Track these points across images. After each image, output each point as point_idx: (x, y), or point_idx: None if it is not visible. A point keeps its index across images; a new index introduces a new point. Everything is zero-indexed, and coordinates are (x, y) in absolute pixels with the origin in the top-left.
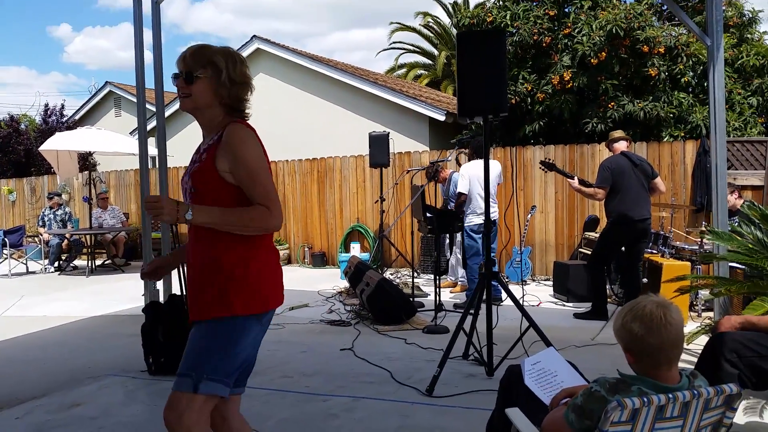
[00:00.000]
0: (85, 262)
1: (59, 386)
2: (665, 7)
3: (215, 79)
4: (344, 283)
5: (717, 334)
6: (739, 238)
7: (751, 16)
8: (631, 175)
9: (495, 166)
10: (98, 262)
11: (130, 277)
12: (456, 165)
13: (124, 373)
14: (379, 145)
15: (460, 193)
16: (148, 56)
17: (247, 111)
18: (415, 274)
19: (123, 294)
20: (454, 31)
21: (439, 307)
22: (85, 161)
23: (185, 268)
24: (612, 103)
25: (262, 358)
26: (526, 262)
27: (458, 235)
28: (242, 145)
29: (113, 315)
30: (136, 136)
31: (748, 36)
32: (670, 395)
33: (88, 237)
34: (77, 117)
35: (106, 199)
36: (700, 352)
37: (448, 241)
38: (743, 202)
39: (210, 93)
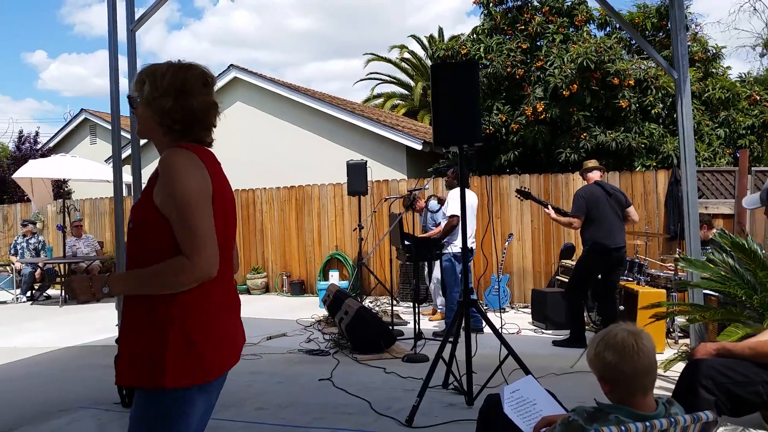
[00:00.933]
0: (58, 292)
1: (28, 420)
2: (634, 41)
3: (145, 98)
4: (323, 312)
5: (693, 361)
6: (712, 266)
7: (714, 51)
8: (606, 204)
9: (471, 197)
10: None
11: (104, 307)
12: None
13: (97, 405)
14: (357, 173)
15: (453, 216)
16: (124, 84)
17: (205, 136)
18: (395, 302)
19: (97, 324)
20: (429, 63)
21: (418, 335)
22: (60, 189)
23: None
24: (584, 134)
25: (237, 389)
26: (504, 289)
27: (437, 263)
28: (172, 175)
29: (86, 345)
30: (111, 164)
31: (713, 70)
32: (648, 423)
33: (61, 266)
34: (51, 144)
35: (81, 227)
36: (675, 379)
37: (427, 269)
38: (715, 231)
39: (147, 115)
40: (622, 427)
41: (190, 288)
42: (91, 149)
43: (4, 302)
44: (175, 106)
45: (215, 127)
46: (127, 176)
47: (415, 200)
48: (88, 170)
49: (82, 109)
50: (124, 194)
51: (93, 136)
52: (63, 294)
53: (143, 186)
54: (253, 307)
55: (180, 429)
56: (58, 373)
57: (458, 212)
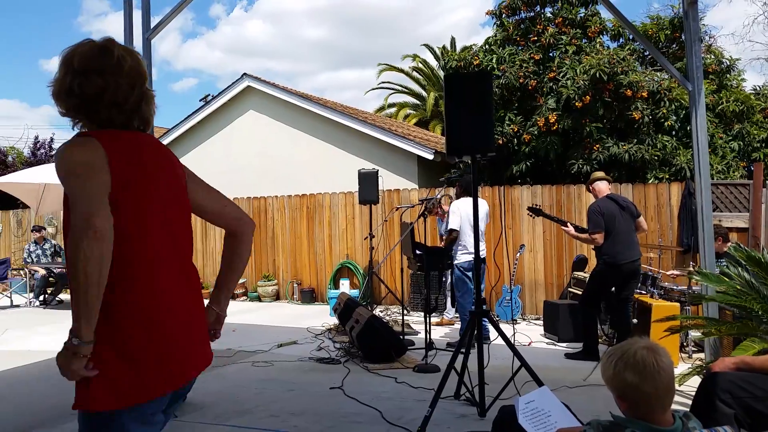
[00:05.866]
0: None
1: (42, 423)
2: (647, 52)
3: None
4: (333, 320)
5: (710, 374)
6: (727, 279)
7: (728, 63)
8: (620, 217)
9: (482, 206)
10: None
11: None
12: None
13: None
14: (368, 182)
15: (452, 230)
16: None
17: (116, 113)
18: (405, 312)
19: None
20: (442, 74)
21: (430, 345)
22: None
23: None
24: (597, 146)
25: (249, 397)
26: (516, 300)
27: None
28: (58, 164)
29: None
30: None
31: (727, 83)
32: None
33: None
34: None
35: None
36: (690, 393)
37: (444, 279)
38: (730, 245)
39: (64, 106)
40: None
41: (127, 286)
42: None
43: (18, 306)
44: (64, 89)
45: (127, 104)
46: None
47: (439, 204)
48: None
49: None
50: None
51: None
52: None
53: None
54: (264, 315)
55: None
56: None
57: (457, 227)
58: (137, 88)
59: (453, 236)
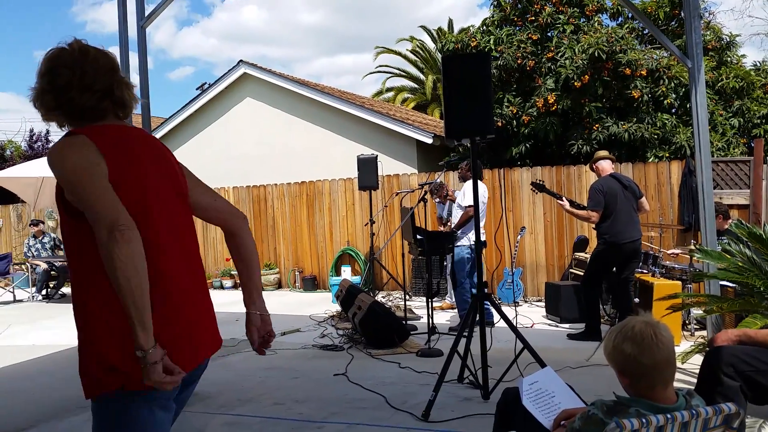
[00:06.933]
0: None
1: (48, 417)
2: (646, 30)
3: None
4: (336, 307)
5: (713, 349)
6: (729, 256)
7: (728, 39)
8: (622, 197)
9: (482, 190)
10: None
11: None
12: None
13: None
14: (367, 167)
15: (470, 206)
16: (135, 80)
17: (95, 109)
18: (407, 297)
19: None
20: (440, 56)
21: (432, 329)
22: None
23: None
24: (597, 125)
25: (253, 385)
26: (517, 283)
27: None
28: (58, 162)
29: None
30: None
31: (727, 59)
32: (669, 416)
33: None
34: None
35: None
36: (693, 371)
37: (445, 263)
38: (731, 222)
39: (40, 110)
40: (643, 420)
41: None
42: None
43: (21, 300)
44: (45, 92)
45: (99, 86)
46: None
47: (443, 187)
48: None
49: None
50: None
51: None
52: None
53: None
54: (266, 303)
55: None
56: (76, 370)
57: (473, 203)
58: (106, 73)
59: (470, 212)
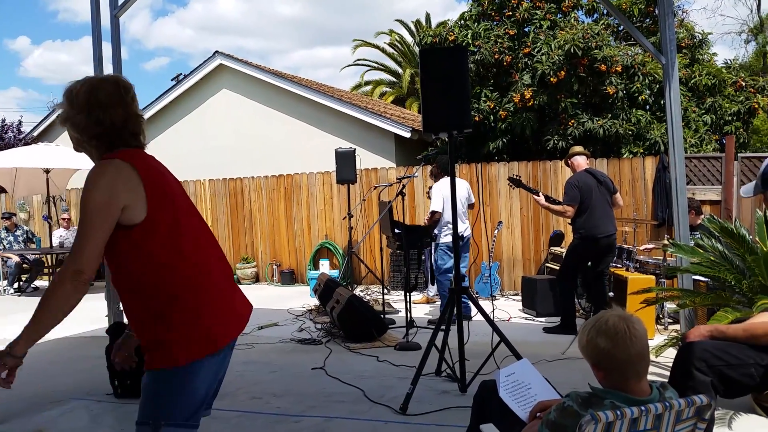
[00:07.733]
0: (45, 283)
1: (20, 412)
2: (621, 27)
3: (65, 118)
4: (314, 301)
5: (686, 344)
6: (701, 251)
7: (701, 37)
8: (597, 192)
9: (463, 185)
10: None
11: (93, 298)
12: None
13: (89, 396)
14: (345, 161)
15: (434, 212)
16: (109, 70)
17: (132, 139)
18: (386, 291)
19: (86, 315)
20: (417, 50)
21: (410, 323)
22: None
23: None
24: (572, 121)
25: (230, 380)
26: (494, 277)
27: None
28: (85, 189)
29: (76, 337)
30: None
31: (699, 57)
32: (643, 408)
33: (49, 257)
34: (36, 133)
35: (69, 220)
36: (666, 365)
37: (423, 257)
38: (703, 217)
39: (72, 134)
40: (618, 412)
41: (174, 266)
42: None
43: None
44: (90, 121)
45: (141, 134)
46: None
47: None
48: (72, 159)
49: None
50: None
51: None
52: None
53: None
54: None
55: (193, 390)
56: (48, 365)
57: (439, 208)
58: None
59: (435, 218)
